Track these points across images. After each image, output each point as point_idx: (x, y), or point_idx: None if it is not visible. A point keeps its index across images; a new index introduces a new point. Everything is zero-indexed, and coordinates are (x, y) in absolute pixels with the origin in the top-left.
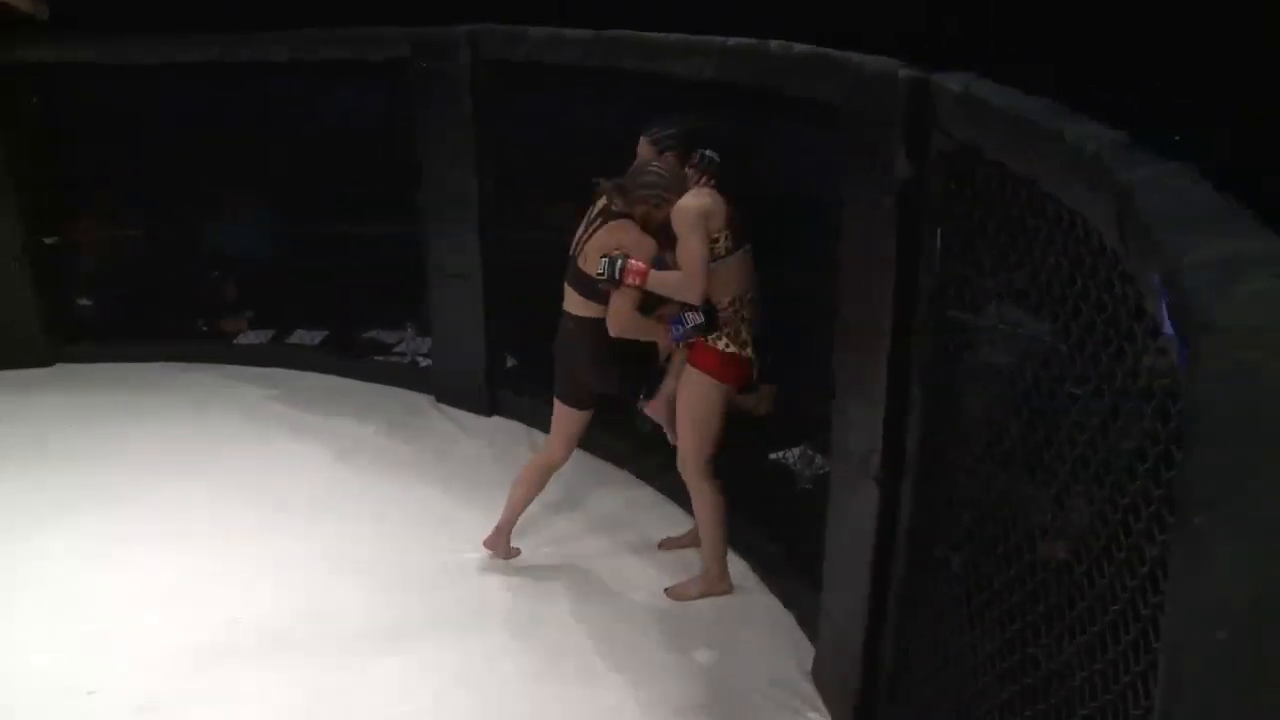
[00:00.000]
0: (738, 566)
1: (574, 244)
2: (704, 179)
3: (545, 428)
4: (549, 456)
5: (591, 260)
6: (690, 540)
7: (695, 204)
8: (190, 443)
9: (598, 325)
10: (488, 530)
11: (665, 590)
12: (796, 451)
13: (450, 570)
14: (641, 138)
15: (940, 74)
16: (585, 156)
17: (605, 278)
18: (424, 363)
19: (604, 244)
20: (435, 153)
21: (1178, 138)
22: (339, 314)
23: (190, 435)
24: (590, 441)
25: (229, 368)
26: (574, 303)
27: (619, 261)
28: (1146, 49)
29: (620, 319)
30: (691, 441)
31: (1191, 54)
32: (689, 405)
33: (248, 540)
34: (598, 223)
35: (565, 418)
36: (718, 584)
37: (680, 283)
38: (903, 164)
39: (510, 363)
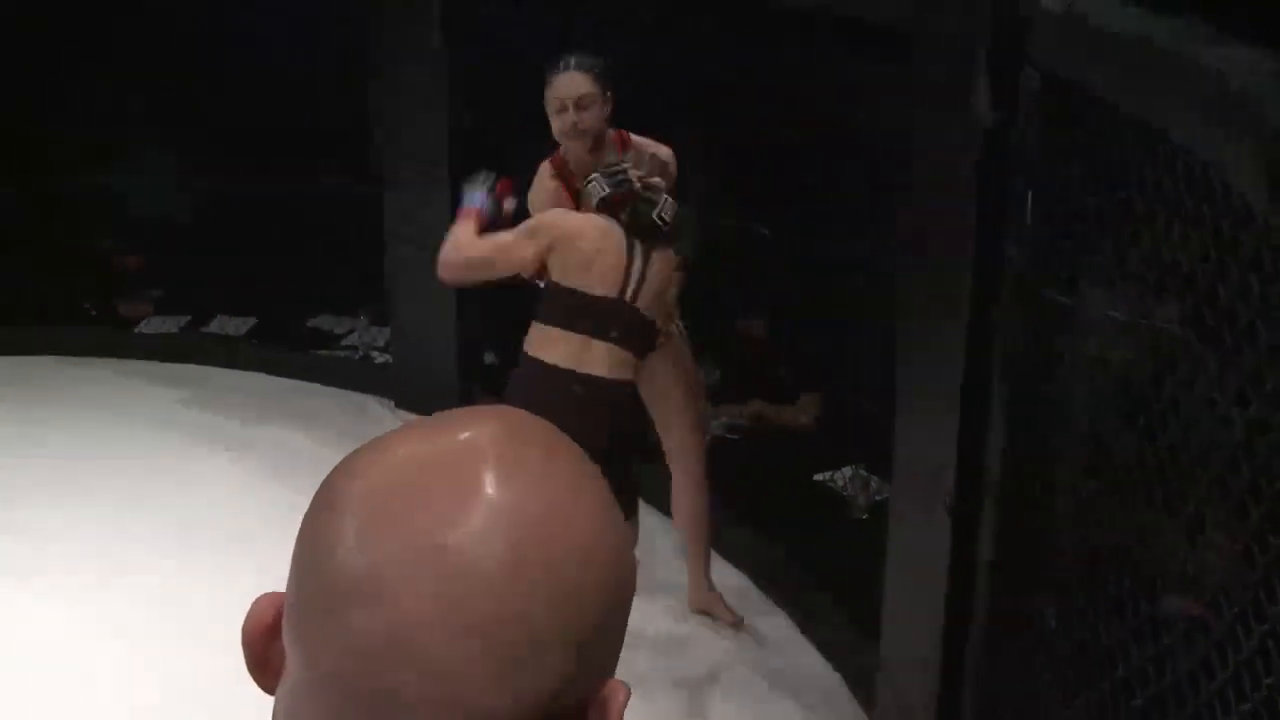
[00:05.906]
0: (774, 617)
1: (626, 281)
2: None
3: None
4: None
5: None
6: (701, 579)
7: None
8: (77, 459)
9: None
10: None
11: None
12: (847, 473)
13: None
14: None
15: None
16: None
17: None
18: (380, 358)
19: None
20: (393, 83)
21: None
22: (271, 295)
23: (77, 449)
24: None
25: (129, 363)
26: (609, 362)
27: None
28: None
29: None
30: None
31: None
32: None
33: (149, 587)
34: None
35: None
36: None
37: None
38: (986, 107)
39: (489, 359)
